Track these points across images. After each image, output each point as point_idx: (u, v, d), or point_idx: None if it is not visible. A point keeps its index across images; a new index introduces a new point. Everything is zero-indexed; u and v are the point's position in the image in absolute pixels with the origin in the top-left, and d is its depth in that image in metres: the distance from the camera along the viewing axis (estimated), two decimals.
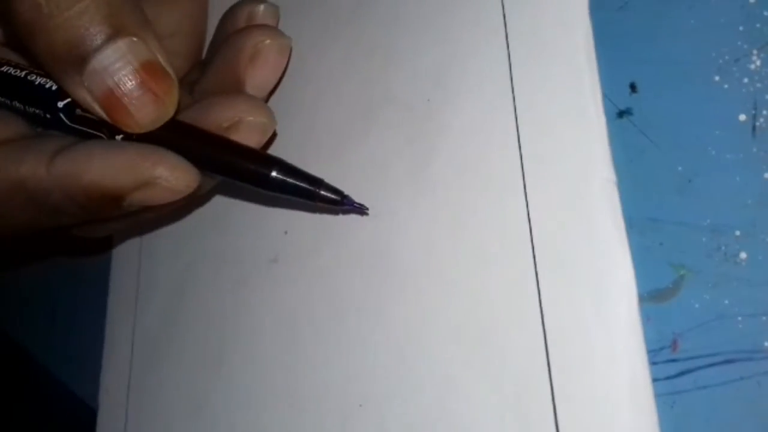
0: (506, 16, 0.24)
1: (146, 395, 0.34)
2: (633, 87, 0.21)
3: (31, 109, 0.24)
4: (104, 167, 0.22)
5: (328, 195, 0.24)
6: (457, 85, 0.25)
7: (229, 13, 0.29)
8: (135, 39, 0.22)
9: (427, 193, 0.25)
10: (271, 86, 0.27)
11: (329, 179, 0.24)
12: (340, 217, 0.27)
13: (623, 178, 0.21)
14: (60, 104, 0.24)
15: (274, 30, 0.27)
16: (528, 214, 0.22)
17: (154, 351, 0.34)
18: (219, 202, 0.32)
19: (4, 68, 0.24)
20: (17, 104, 0.25)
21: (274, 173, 0.23)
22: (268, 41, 0.26)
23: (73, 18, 0.21)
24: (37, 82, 0.24)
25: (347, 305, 0.27)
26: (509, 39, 0.24)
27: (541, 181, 0.22)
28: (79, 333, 0.40)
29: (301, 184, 0.24)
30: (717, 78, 0.20)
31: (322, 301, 0.27)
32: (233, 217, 0.32)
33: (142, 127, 0.23)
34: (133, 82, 0.22)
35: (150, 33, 0.22)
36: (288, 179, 0.24)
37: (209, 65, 0.28)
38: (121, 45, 0.21)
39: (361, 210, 0.25)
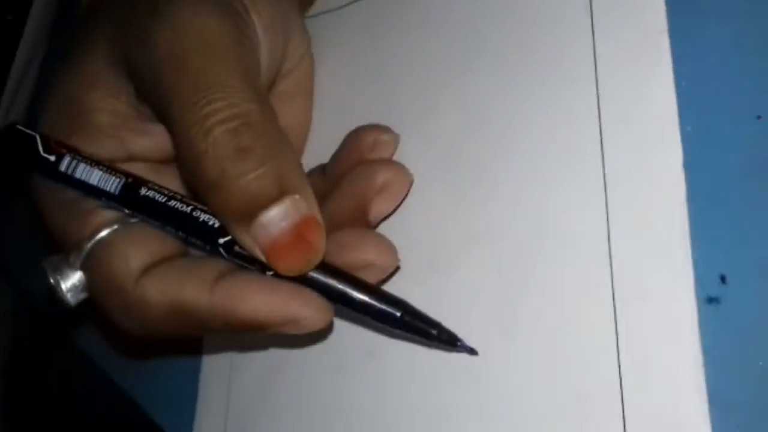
0: (608, 197, 0.27)
1: None
2: (723, 278, 0.24)
3: (192, 240, 0.28)
4: (260, 304, 0.27)
5: (444, 338, 0.27)
6: (554, 250, 0.28)
7: (355, 135, 0.33)
8: (297, 197, 0.25)
9: (517, 336, 0.28)
10: (389, 213, 0.32)
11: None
12: None
13: (710, 361, 0.24)
14: (221, 241, 0.27)
15: (398, 166, 0.31)
16: (621, 388, 0.25)
17: (250, 412, 0.37)
18: None
19: (173, 203, 0.29)
20: (180, 234, 0.29)
21: (399, 314, 0.27)
22: (394, 179, 0.31)
23: (250, 182, 0.25)
24: (201, 219, 0.28)
25: (441, 412, 0.30)
26: (609, 222, 0.27)
27: (634, 358, 0.25)
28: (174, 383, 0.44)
29: (421, 326, 0.27)
30: None
31: (417, 404, 0.31)
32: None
33: (295, 272, 0.26)
34: (293, 234, 0.25)
35: (309, 190, 0.26)
36: (412, 321, 0.27)
37: (338, 190, 0.31)
38: (287, 203, 0.25)
39: (471, 351, 0.28)
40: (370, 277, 0.28)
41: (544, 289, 0.28)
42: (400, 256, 0.30)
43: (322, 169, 0.34)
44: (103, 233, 0.29)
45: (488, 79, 0.33)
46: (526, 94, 0.31)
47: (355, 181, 0.31)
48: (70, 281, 0.30)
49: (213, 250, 0.28)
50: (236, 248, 0.27)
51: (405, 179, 0.31)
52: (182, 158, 0.27)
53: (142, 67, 0.28)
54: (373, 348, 0.33)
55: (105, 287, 0.29)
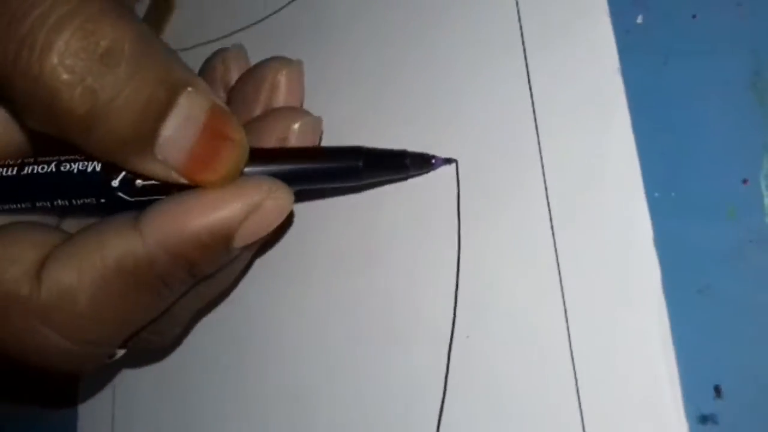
0: (566, 304, 0.22)
1: None
2: (717, 390, 0.20)
3: (79, 201, 0.22)
4: (208, 209, 0.21)
5: (418, 162, 0.24)
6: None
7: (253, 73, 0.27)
8: (191, 90, 0.20)
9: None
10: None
11: None
12: None
13: None
14: (115, 183, 0.21)
15: (303, 112, 0.25)
16: None
17: None
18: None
19: (28, 169, 0.21)
20: (59, 203, 0.22)
21: (361, 163, 0.23)
22: (296, 125, 0.25)
23: (131, 95, 0.19)
24: (75, 170, 0.21)
25: None
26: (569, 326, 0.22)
27: None
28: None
29: (389, 162, 0.24)
30: None
31: None
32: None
33: (228, 178, 0.21)
34: (207, 135, 0.20)
35: (196, 77, 0.20)
36: (378, 162, 0.23)
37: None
38: (182, 103, 0.19)
39: (448, 161, 0.25)
40: (304, 143, 0.24)
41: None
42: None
43: None
44: None
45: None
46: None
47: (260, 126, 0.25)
48: None
49: (111, 199, 0.21)
50: (139, 183, 0.21)
51: (316, 125, 0.26)
52: (27, 106, 0.19)
53: None
54: None
55: (8, 318, 0.21)
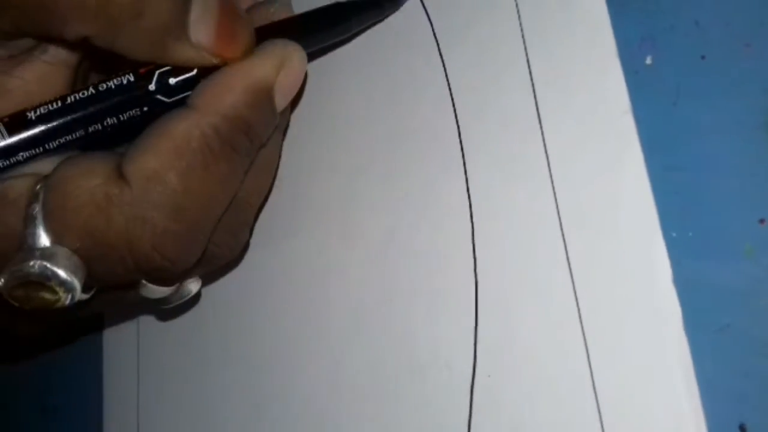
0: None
1: None
2: (743, 429, 0.20)
3: (125, 115, 0.24)
4: (245, 73, 0.24)
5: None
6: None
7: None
8: None
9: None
10: None
11: None
12: None
13: None
14: (151, 86, 0.24)
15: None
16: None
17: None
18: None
19: (70, 98, 0.23)
20: (108, 122, 0.23)
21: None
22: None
23: None
24: (113, 86, 0.23)
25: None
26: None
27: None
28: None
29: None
30: None
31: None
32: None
33: (248, 49, 0.24)
34: (224, 14, 0.23)
35: None
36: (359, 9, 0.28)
37: None
38: None
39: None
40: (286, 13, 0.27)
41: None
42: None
43: None
44: (40, 185, 0.22)
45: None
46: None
47: None
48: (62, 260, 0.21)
49: (153, 105, 0.24)
50: (171, 81, 0.24)
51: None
52: (80, 13, 0.22)
53: None
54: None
55: (111, 220, 0.22)
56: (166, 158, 0.22)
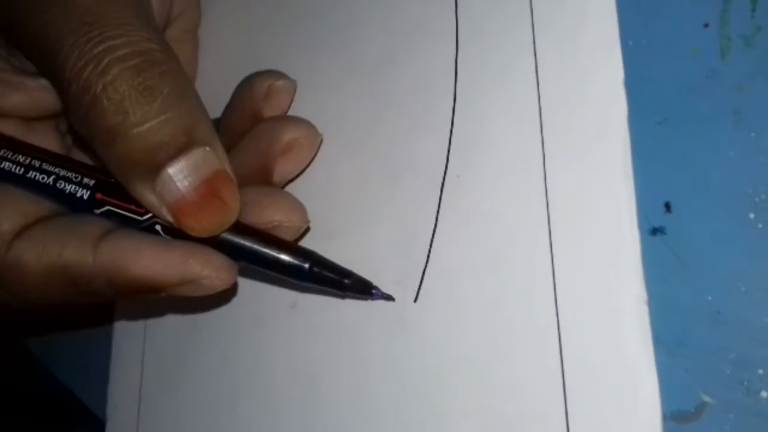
0: (543, 123, 0.25)
1: (157, 418, 0.35)
2: (668, 206, 0.22)
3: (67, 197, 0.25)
4: (153, 263, 0.23)
5: (358, 287, 0.26)
6: (488, 178, 0.26)
7: (248, 83, 0.30)
8: (208, 149, 0.23)
9: (459, 278, 0.26)
10: (296, 174, 0.29)
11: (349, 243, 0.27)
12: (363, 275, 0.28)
13: (654, 296, 0.22)
14: (96, 211, 0.25)
15: (307, 125, 0.28)
16: (558, 325, 0.23)
17: (165, 373, 0.35)
18: None
19: (32, 174, 0.25)
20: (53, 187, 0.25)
21: (308, 265, 0.25)
22: (302, 138, 0.28)
23: (155, 127, 0.22)
24: (67, 191, 0.25)
25: (367, 366, 0.28)
26: (545, 149, 0.24)
27: (572, 293, 0.23)
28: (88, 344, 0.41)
29: (333, 276, 0.25)
30: (752, 215, 0.21)
31: (342, 356, 0.28)
32: None
33: (209, 232, 0.24)
34: (205, 190, 0.23)
35: (218, 142, 0.24)
36: (322, 272, 0.25)
37: (240, 148, 0.28)
38: (196, 154, 0.22)
39: (388, 298, 0.26)
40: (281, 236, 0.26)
41: (470, 230, 0.26)
42: (310, 216, 0.27)
43: (217, 121, 0.31)
44: None
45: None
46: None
47: (259, 138, 0.28)
48: None
49: (83, 208, 0.25)
50: (115, 210, 0.25)
51: (313, 139, 0.29)
52: (74, 106, 0.23)
53: (10, 11, 0.24)
54: (295, 300, 0.30)
55: None
56: (42, 264, 0.24)
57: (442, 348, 0.26)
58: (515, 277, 0.24)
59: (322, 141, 0.29)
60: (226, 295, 0.32)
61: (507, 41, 0.26)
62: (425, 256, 0.27)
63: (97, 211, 0.25)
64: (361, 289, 0.26)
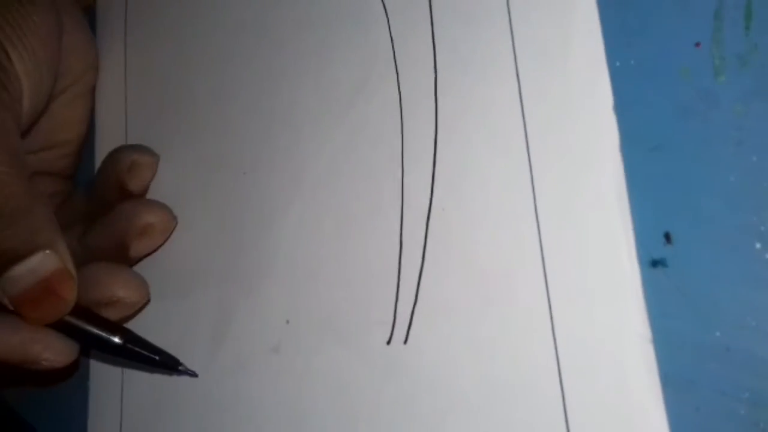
0: (530, 151, 0.23)
1: None
2: (668, 237, 0.21)
3: None
4: None
5: (167, 363, 0.29)
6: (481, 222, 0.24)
7: (113, 157, 0.32)
8: (48, 252, 0.26)
9: (450, 317, 0.24)
10: (152, 251, 0.33)
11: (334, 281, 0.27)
12: (349, 316, 0.27)
13: (659, 333, 0.20)
14: None
15: (162, 210, 0.32)
16: (558, 365, 0.22)
17: (145, 422, 0.33)
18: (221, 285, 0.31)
19: None
20: None
21: (122, 342, 0.28)
22: (157, 224, 0.31)
23: (6, 237, 0.25)
24: None
25: (357, 412, 0.26)
26: (534, 178, 0.23)
27: (572, 331, 0.22)
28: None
29: (144, 353, 0.29)
30: (758, 245, 0.19)
31: (329, 402, 0.27)
32: (233, 300, 0.31)
33: (45, 321, 0.27)
34: (41, 287, 0.26)
35: (61, 243, 0.26)
36: (134, 348, 0.29)
37: (102, 224, 0.32)
38: (35, 259, 0.26)
39: (192, 374, 0.30)
40: (119, 313, 0.30)
41: (459, 267, 0.24)
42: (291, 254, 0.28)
43: (88, 187, 0.34)
44: None
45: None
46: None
47: (117, 220, 0.31)
48: None
49: None
50: None
51: (167, 224, 0.32)
52: None
53: None
54: (278, 343, 0.29)
55: None
56: None
57: (436, 392, 0.24)
58: (510, 316, 0.23)
59: (176, 225, 0.32)
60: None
61: (487, 65, 0.25)
62: (413, 295, 0.25)
63: None
64: (169, 365, 0.29)
